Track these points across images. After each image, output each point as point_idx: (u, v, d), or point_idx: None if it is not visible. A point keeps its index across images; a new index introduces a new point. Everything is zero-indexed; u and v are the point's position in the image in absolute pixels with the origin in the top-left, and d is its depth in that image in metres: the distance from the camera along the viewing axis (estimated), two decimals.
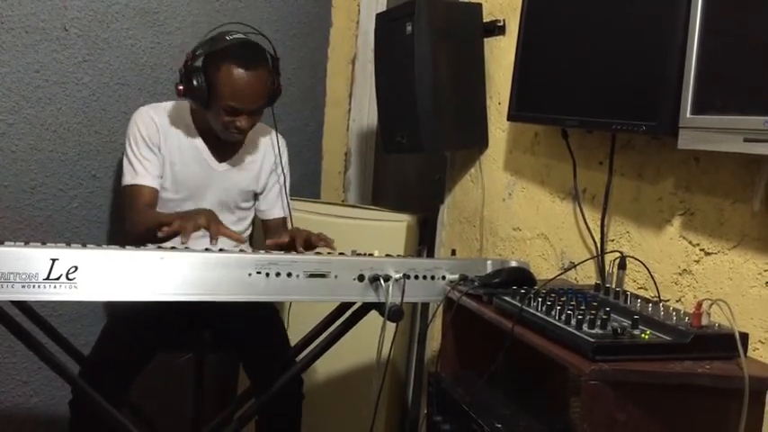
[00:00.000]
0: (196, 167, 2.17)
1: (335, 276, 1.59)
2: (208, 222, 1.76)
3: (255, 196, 2.30)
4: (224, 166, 2.20)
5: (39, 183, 2.34)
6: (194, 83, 1.99)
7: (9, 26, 2.22)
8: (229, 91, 1.99)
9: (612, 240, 1.68)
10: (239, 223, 2.26)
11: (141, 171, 2.10)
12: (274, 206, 2.30)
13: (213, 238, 1.72)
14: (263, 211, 2.32)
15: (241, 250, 1.89)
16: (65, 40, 2.32)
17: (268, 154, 2.28)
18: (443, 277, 1.69)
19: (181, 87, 2.02)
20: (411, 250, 2.49)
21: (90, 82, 2.38)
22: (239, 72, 1.98)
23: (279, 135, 2.32)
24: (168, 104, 2.21)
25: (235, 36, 2.04)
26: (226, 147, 2.21)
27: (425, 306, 2.50)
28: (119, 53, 2.42)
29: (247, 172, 2.24)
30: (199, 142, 2.17)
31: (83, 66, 2.36)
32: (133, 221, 2.08)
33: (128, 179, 2.10)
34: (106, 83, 2.41)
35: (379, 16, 2.30)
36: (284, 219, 2.31)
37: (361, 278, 1.60)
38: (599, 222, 1.69)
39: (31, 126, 2.30)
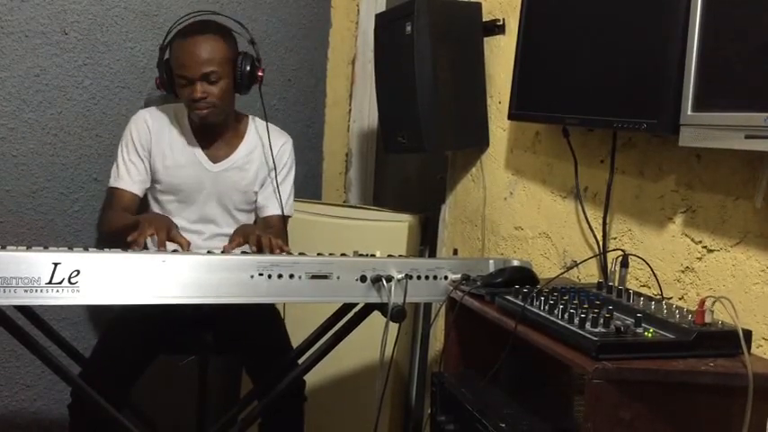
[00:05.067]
0: (190, 169, 2.16)
1: (338, 277, 1.59)
2: (156, 231, 1.80)
3: (257, 197, 2.29)
4: (219, 166, 2.19)
5: (40, 187, 2.34)
6: (162, 74, 2.11)
7: (9, 30, 2.23)
8: (175, 62, 2.06)
9: (615, 238, 1.68)
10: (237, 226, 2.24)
11: (124, 175, 2.14)
12: (268, 203, 2.26)
13: (161, 245, 1.78)
14: (260, 208, 2.28)
15: (243, 252, 1.89)
16: (65, 44, 2.32)
17: (267, 152, 2.26)
18: (446, 277, 1.68)
19: (157, 82, 2.14)
20: (413, 250, 2.49)
21: (90, 85, 2.39)
22: (181, 42, 2.06)
23: (281, 132, 2.29)
24: (167, 107, 2.22)
25: (194, 18, 2.14)
26: (222, 147, 2.20)
27: (428, 306, 2.50)
28: (119, 56, 2.42)
29: (245, 172, 2.22)
30: (193, 144, 2.17)
31: (83, 69, 2.36)
32: (104, 222, 2.21)
33: (111, 180, 2.17)
34: (106, 86, 2.41)
35: (378, 16, 2.30)
36: (280, 217, 2.25)
37: (363, 279, 1.60)
38: (601, 221, 1.69)
39: (31, 130, 2.30)
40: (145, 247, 1.78)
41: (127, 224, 1.86)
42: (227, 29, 2.13)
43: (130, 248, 1.73)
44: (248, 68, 2.12)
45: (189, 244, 1.86)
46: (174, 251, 1.71)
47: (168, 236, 1.82)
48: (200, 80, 2.02)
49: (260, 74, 2.16)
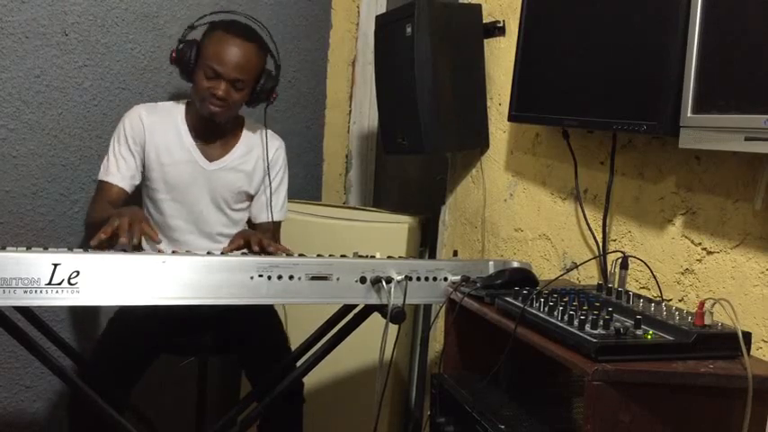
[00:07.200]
0: (185, 167, 2.16)
1: (337, 279, 1.59)
2: (129, 223, 1.72)
3: (250, 198, 2.28)
4: (215, 165, 2.19)
5: (40, 188, 2.34)
6: (186, 50, 2.08)
7: (9, 31, 2.23)
8: (213, 52, 2.05)
9: (614, 240, 1.68)
10: (232, 226, 2.24)
11: (113, 169, 2.13)
12: (263, 210, 2.26)
13: (135, 238, 1.72)
14: (253, 215, 2.29)
15: (243, 253, 1.89)
16: (65, 45, 2.32)
17: (262, 156, 2.26)
18: (445, 278, 1.69)
19: (174, 54, 2.11)
20: (413, 252, 2.49)
21: (90, 87, 2.39)
22: (227, 37, 2.07)
23: (274, 136, 2.30)
24: (163, 104, 2.22)
25: (239, 18, 2.16)
26: (218, 146, 2.20)
27: (428, 308, 2.50)
28: (119, 57, 2.42)
29: (240, 172, 2.22)
30: (189, 142, 2.17)
31: (83, 70, 2.37)
32: (90, 215, 2.18)
33: (101, 173, 2.16)
34: (107, 87, 2.41)
35: (378, 18, 2.30)
36: (274, 224, 2.27)
37: (363, 280, 1.60)
38: (601, 222, 1.69)
39: (32, 131, 2.30)
40: (140, 248, 1.76)
41: (104, 218, 1.84)
42: (267, 45, 2.18)
43: (107, 243, 1.69)
44: (267, 88, 2.17)
45: (157, 235, 1.84)
46: (175, 252, 1.71)
47: (140, 228, 1.75)
48: (228, 81, 2.05)
49: (273, 96, 2.21)
